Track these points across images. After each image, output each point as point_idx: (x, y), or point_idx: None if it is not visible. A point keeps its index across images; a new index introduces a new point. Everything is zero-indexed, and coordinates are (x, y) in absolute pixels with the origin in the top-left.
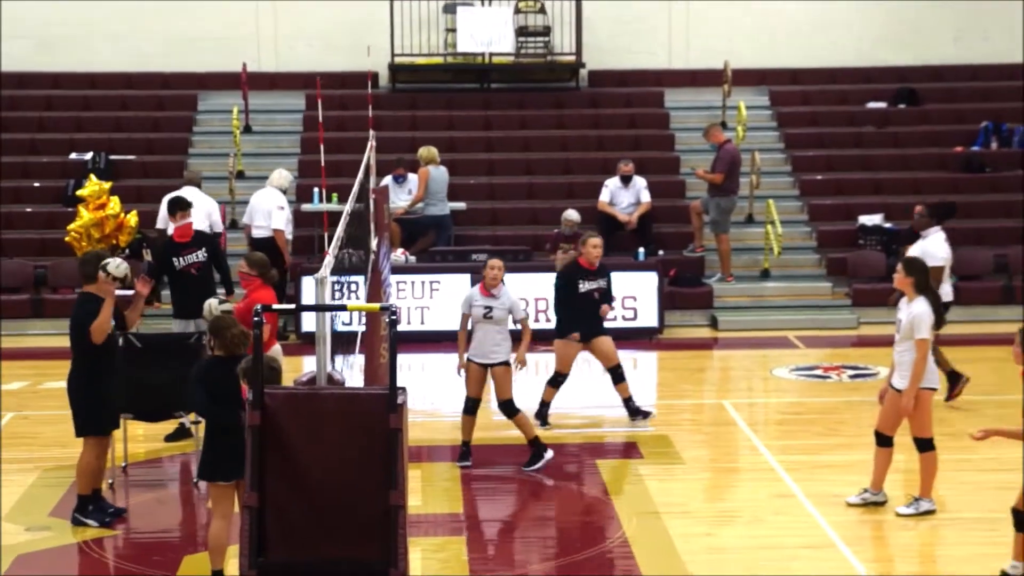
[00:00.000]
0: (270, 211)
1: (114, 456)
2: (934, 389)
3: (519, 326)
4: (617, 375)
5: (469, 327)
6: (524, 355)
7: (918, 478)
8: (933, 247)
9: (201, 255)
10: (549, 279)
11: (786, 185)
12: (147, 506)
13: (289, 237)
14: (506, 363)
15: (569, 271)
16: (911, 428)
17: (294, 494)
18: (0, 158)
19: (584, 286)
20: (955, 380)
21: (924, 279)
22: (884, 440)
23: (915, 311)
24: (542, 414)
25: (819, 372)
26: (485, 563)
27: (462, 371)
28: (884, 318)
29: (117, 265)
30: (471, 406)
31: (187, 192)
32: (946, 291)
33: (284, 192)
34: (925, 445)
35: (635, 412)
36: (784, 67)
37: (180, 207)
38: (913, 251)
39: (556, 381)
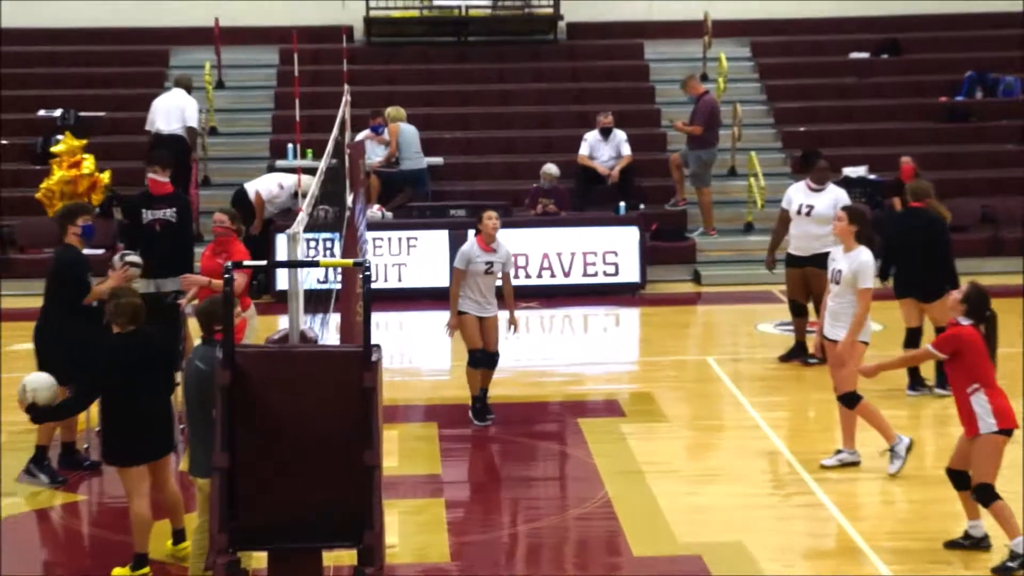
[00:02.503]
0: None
1: (89, 418)
2: (866, 343)
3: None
4: (492, 362)
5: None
6: (516, 317)
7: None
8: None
9: (170, 214)
10: (528, 235)
11: (768, 137)
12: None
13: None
14: (495, 316)
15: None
16: (834, 383)
17: (266, 456)
18: None
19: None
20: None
21: (867, 228)
22: (844, 399)
23: (860, 259)
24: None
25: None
26: (464, 525)
27: (452, 330)
28: None
29: (135, 261)
30: (480, 358)
31: (173, 96)
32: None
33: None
34: (851, 400)
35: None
36: (765, 18)
37: (160, 164)
38: (823, 205)
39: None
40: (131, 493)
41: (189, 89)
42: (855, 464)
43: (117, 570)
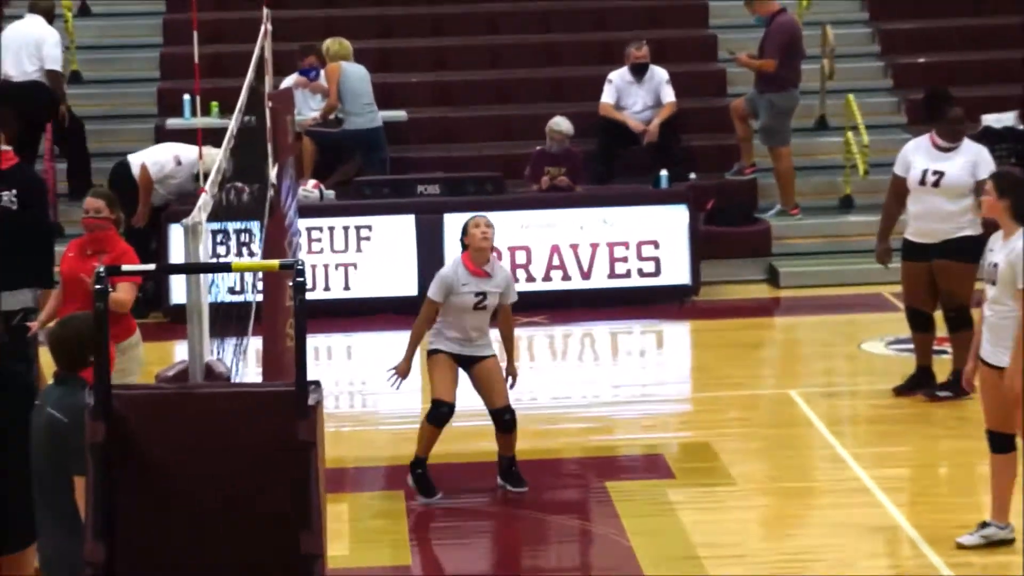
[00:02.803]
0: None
1: None
2: None
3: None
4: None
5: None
6: (516, 366)
7: None
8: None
9: (8, 198)
10: (530, 219)
11: (874, 73)
12: None
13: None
14: (494, 355)
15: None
16: (994, 423)
17: (159, 544)
18: None
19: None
20: None
21: None
22: (1003, 443)
23: (1018, 248)
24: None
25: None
26: None
27: (398, 380)
28: None
29: None
30: (442, 414)
31: (25, 27)
32: None
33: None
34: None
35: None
36: None
37: None
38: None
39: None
40: None
41: (51, 18)
42: (1007, 543)
43: None
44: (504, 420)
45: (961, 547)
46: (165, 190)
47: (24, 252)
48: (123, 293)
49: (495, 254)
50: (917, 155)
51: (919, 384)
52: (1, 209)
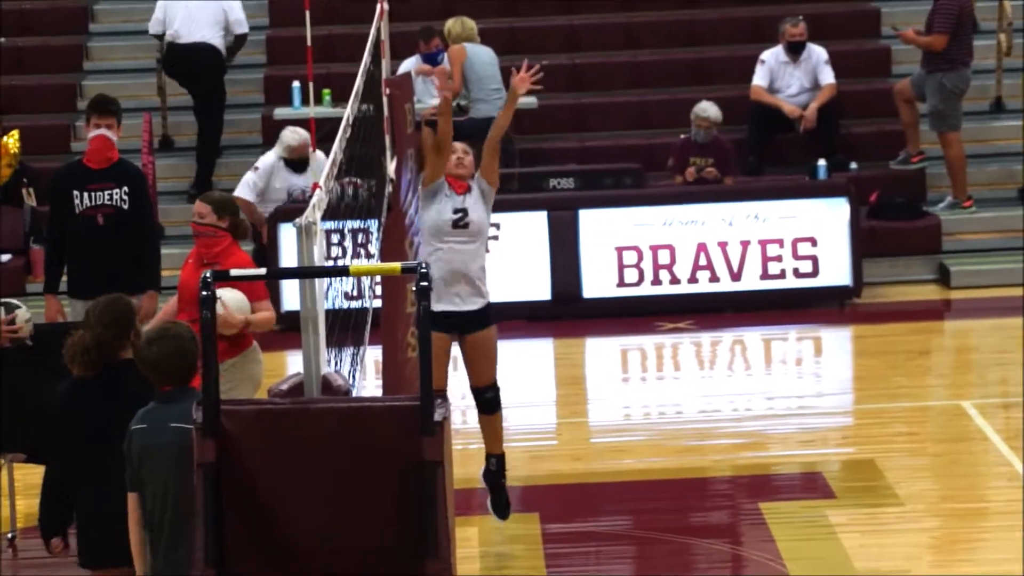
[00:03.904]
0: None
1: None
2: None
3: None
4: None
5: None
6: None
7: None
8: None
9: (119, 196)
10: (675, 215)
11: None
12: None
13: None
14: (491, 327)
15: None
16: None
17: (275, 569)
18: None
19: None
20: None
21: None
22: None
23: None
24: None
25: None
26: None
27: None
28: None
29: (26, 320)
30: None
31: None
32: None
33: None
34: None
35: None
36: None
37: (96, 109)
38: None
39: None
40: None
41: None
42: None
43: None
44: (486, 399)
45: None
46: (272, 198)
47: (137, 253)
48: (263, 313)
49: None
50: None
51: None
52: (111, 210)
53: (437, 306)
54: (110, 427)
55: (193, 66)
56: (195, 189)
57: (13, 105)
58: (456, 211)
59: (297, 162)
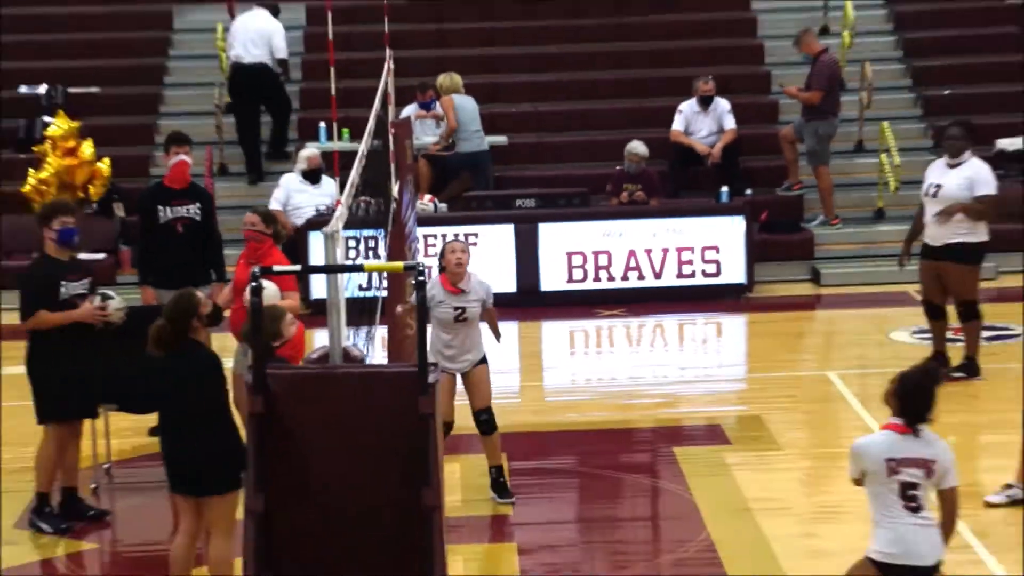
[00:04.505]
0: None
1: (96, 454)
2: None
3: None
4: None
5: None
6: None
7: None
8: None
9: (194, 210)
10: (612, 228)
11: (905, 103)
12: (133, 513)
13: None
14: (484, 361)
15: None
16: None
17: (307, 496)
18: None
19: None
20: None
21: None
22: None
23: None
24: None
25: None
26: (541, 574)
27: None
28: None
29: (118, 308)
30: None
31: (254, 18)
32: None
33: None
34: None
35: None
36: None
37: (175, 142)
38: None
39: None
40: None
41: (276, 12)
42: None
43: None
44: (481, 421)
45: (990, 505)
46: (298, 207)
47: (207, 255)
48: (291, 300)
49: (471, 273)
50: (931, 171)
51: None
52: (188, 221)
53: (449, 366)
54: (175, 388)
55: (253, 82)
56: (271, 149)
57: (107, 139)
58: (456, 309)
59: (311, 173)
